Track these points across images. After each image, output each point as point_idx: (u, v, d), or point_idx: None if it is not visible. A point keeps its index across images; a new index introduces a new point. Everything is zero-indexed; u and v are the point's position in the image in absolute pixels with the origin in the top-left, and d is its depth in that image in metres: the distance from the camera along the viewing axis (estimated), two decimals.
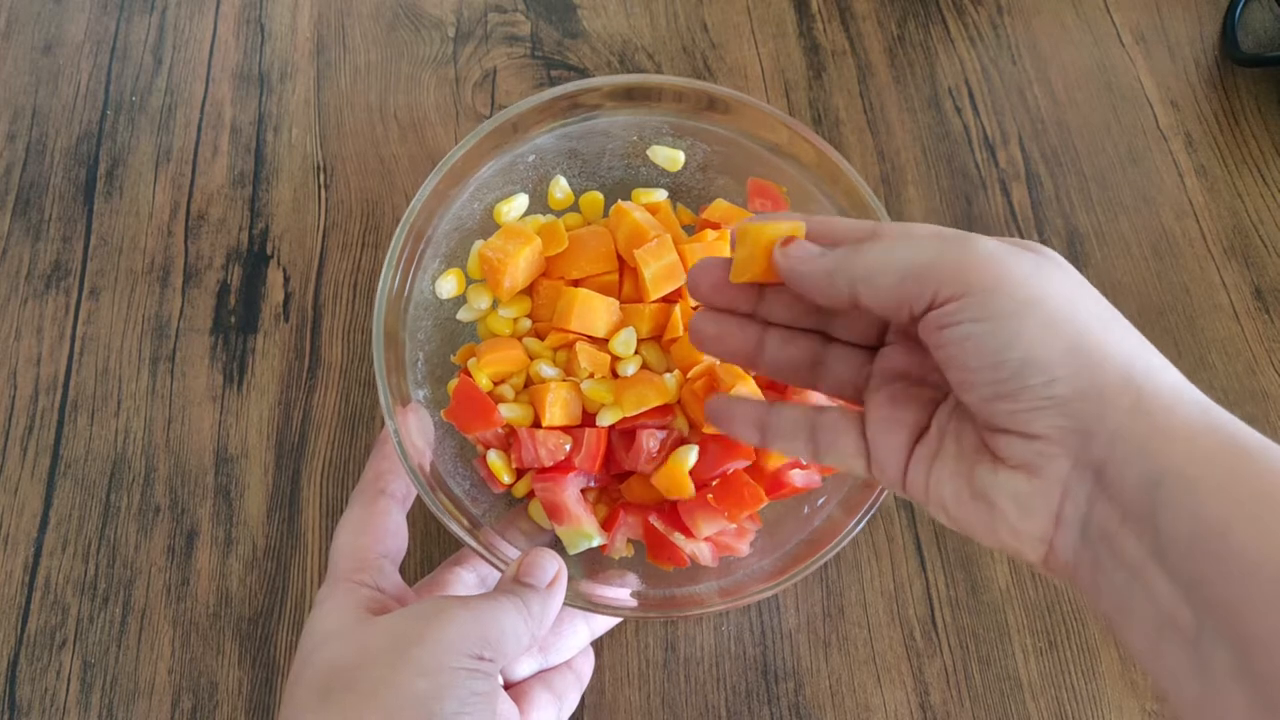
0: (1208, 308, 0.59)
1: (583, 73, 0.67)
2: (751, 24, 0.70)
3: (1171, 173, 0.64)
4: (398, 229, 0.49)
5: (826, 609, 0.51)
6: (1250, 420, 0.55)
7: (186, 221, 0.61)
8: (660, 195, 0.54)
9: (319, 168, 0.63)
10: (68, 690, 0.48)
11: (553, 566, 0.42)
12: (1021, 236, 0.61)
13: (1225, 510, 0.29)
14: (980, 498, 0.35)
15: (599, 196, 0.54)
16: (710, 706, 0.48)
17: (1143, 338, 0.35)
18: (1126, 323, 0.35)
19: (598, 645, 0.50)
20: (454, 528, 0.44)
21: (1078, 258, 0.61)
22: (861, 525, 0.45)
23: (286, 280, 0.59)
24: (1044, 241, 0.61)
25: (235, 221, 0.61)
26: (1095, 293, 0.35)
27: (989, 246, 0.35)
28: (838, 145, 0.64)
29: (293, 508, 0.53)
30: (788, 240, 0.38)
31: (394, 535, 0.44)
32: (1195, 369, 0.57)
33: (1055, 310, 0.34)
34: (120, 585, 0.51)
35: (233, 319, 0.58)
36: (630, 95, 0.53)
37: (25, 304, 0.58)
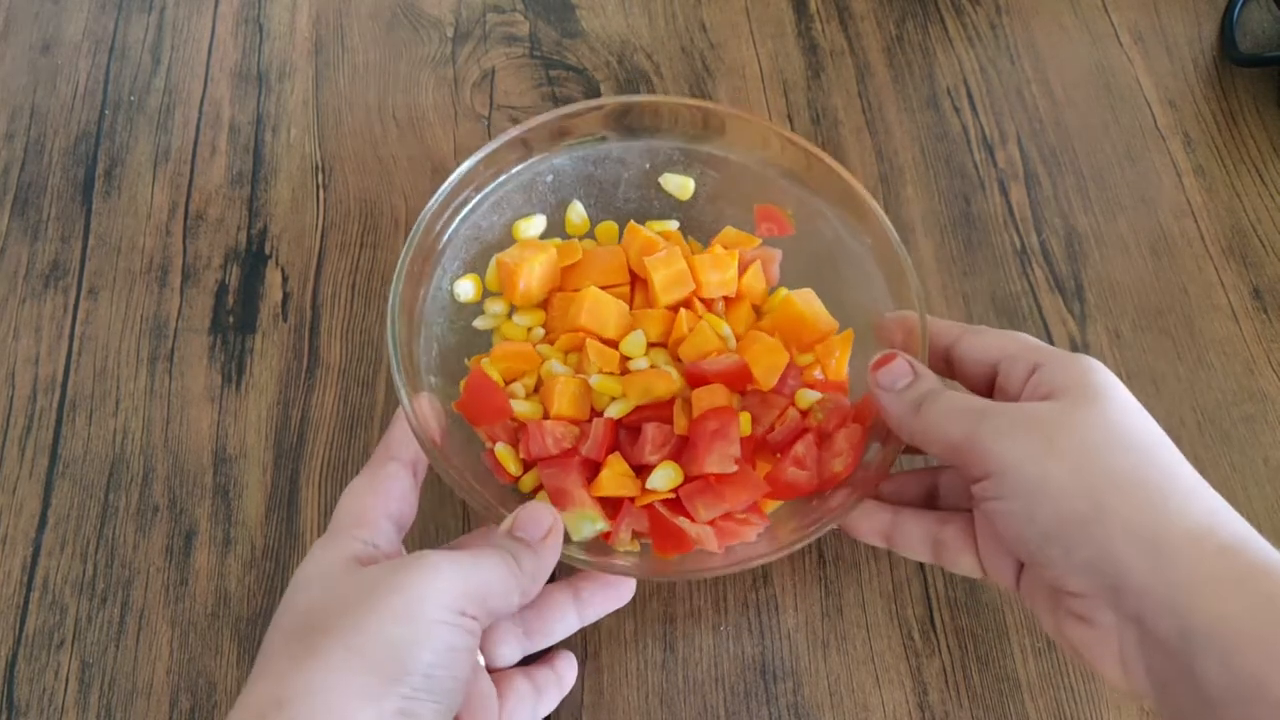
0: (1206, 308, 0.59)
1: (581, 72, 0.67)
2: (750, 24, 0.70)
3: (1170, 173, 0.64)
4: (411, 232, 0.50)
5: (825, 609, 0.51)
6: (1248, 420, 0.56)
7: (185, 221, 0.61)
8: (673, 225, 0.56)
9: (317, 167, 0.63)
10: (66, 690, 0.48)
11: (547, 519, 0.41)
12: (1020, 236, 0.61)
13: (1258, 664, 0.31)
14: (1060, 635, 0.39)
15: (615, 226, 0.56)
16: (709, 706, 0.48)
17: (1170, 475, 0.37)
18: (1153, 462, 0.37)
19: (595, 645, 0.50)
20: (466, 496, 0.45)
21: (1076, 257, 0.61)
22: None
23: (285, 280, 0.59)
24: (1042, 242, 0.61)
25: (234, 221, 0.61)
26: (1121, 436, 0.38)
27: (1002, 424, 0.39)
28: (836, 145, 0.65)
29: (291, 508, 0.53)
30: (882, 361, 0.45)
31: (399, 499, 0.43)
32: (1194, 369, 0.57)
33: (1064, 485, 0.36)
34: (119, 585, 0.51)
35: (231, 319, 0.58)
36: (628, 114, 0.56)
37: (24, 304, 0.58)
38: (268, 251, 0.60)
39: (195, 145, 0.64)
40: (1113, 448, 0.37)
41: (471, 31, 0.69)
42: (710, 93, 0.67)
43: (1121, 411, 0.38)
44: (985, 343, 0.44)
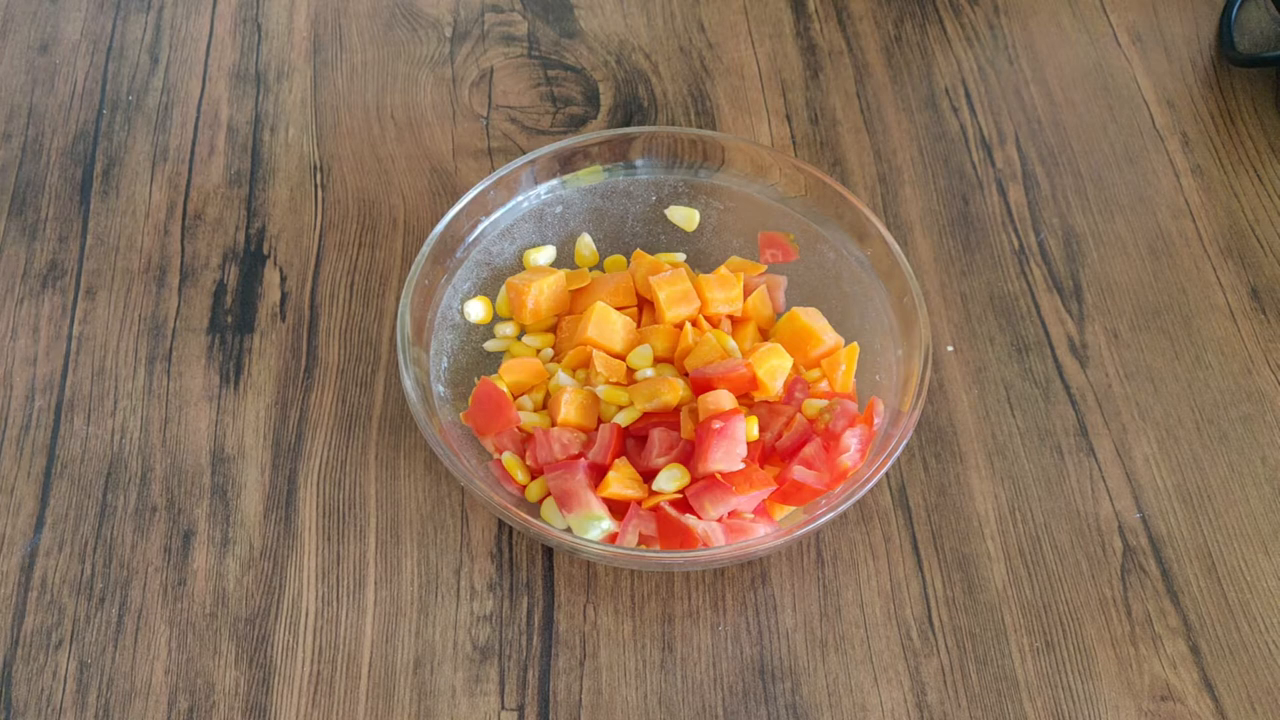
0: (1204, 307, 0.59)
1: (579, 72, 0.67)
2: (748, 24, 0.70)
3: (1168, 173, 0.64)
4: (423, 246, 0.53)
5: (823, 609, 0.51)
6: (1246, 420, 0.56)
7: (183, 221, 0.61)
8: (679, 257, 0.57)
9: (316, 167, 0.63)
10: (64, 691, 0.48)
11: None
12: (1018, 236, 0.62)
13: None
14: None
15: (624, 260, 0.58)
16: (707, 706, 0.48)
17: None
18: None
19: (594, 645, 0.50)
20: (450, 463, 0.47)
21: (1074, 257, 0.61)
22: (877, 479, 0.48)
23: (283, 280, 0.59)
24: (1040, 242, 0.61)
25: (232, 221, 0.61)
26: None
27: None
28: (834, 145, 0.65)
29: (289, 508, 0.53)
30: None
31: None
32: (1192, 369, 0.57)
33: None
34: (116, 585, 0.51)
35: (229, 319, 0.58)
36: (627, 143, 0.59)
37: (21, 304, 0.58)
38: (266, 251, 0.60)
39: (193, 145, 0.64)
40: None
41: (470, 31, 0.69)
42: (709, 93, 0.67)
43: None
44: None
